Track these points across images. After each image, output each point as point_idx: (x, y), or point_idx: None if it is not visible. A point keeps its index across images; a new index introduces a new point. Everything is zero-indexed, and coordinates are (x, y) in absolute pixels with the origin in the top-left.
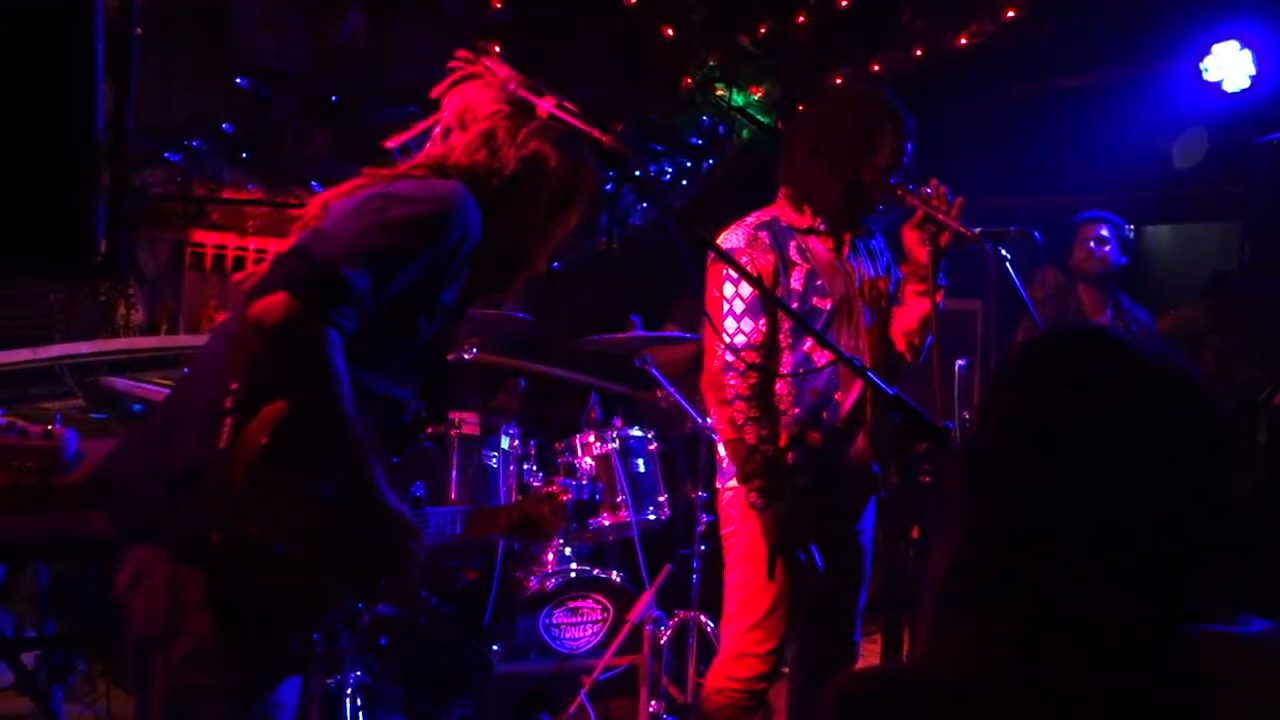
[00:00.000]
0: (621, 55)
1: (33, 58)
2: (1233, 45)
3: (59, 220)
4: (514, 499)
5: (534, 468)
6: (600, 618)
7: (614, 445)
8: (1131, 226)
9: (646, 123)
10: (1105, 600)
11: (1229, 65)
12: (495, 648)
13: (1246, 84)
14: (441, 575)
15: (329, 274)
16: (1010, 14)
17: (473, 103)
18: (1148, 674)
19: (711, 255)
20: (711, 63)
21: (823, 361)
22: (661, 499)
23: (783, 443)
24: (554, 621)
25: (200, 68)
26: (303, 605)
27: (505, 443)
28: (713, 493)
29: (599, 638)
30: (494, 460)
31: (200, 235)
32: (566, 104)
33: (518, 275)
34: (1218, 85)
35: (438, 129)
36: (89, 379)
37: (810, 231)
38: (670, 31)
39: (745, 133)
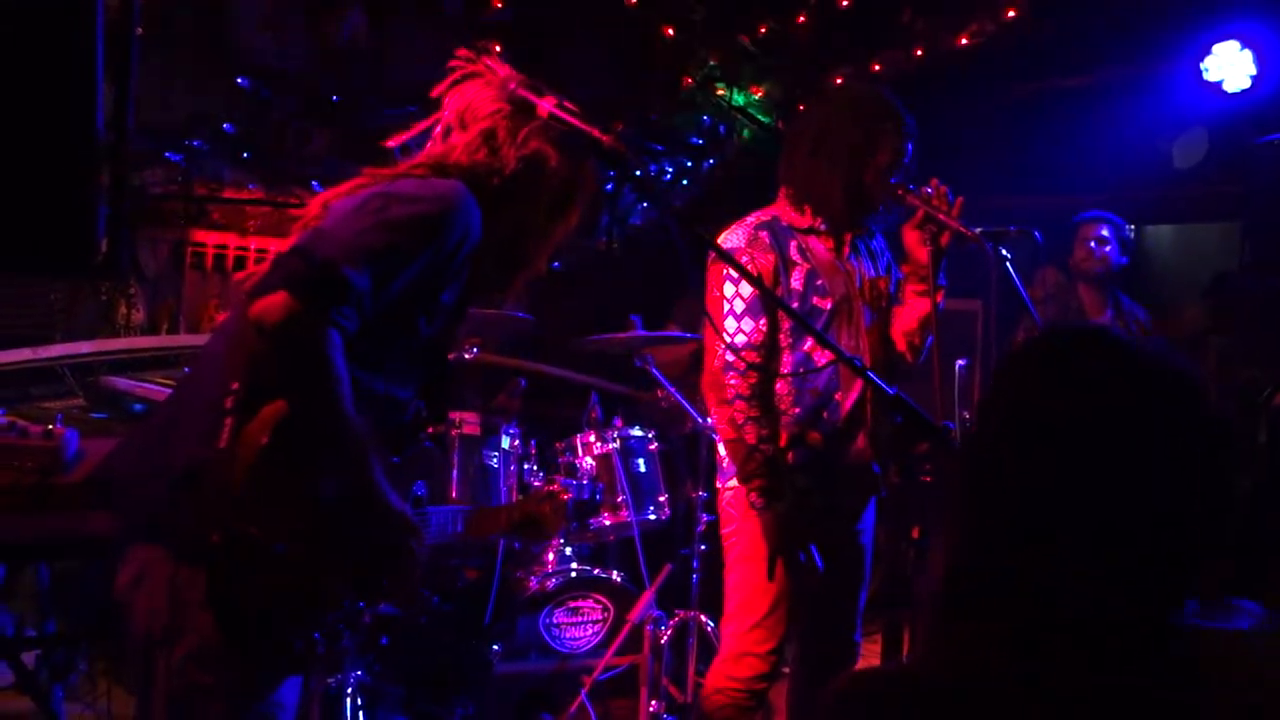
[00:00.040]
0: (622, 55)
1: (33, 57)
2: (1233, 45)
3: (60, 220)
4: (515, 498)
5: (534, 467)
6: (601, 617)
7: (614, 445)
8: (1132, 226)
9: (647, 122)
10: (1105, 600)
11: (1229, 65)
12: (496, 647)
13: (1247, 84)
14: (442, 574)
15: (330, 274)
16: (1010, 14)
17: (473, 102)
18: (1148, 674)
19: (712, 255)
20: (712, 62)
21: (823, 361)
22: (662, 499)
23: (783, 443)
24: (554, 621)
25: (200, 68)
26: (303, 605)
27: (506, 442)
28: (713, 492)
29: (599, 637)
30: (494, 460)
31: (201, 235)
32: (567, 104)
33: (518, 275)
34: (1218, 85)
35: (438, 128)
36: (90, 378)
37: (811, 231)
38: (670, 31)
39: (746, 133)
